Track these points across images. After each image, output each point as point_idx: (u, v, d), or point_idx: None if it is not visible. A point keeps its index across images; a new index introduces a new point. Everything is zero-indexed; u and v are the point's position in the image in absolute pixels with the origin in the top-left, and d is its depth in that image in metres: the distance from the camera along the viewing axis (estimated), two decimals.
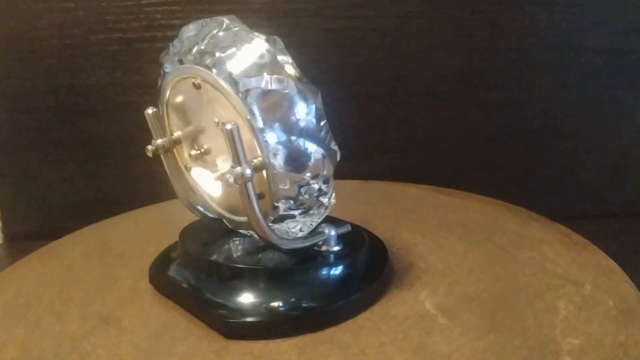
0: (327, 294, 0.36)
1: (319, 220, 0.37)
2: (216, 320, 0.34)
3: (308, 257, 0.37)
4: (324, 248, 0.37)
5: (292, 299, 0.35)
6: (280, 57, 0.33)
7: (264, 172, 0.33)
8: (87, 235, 0.52)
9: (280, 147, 0.33)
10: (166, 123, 0.39)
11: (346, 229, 0.38)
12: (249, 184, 0.32)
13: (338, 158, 0.34)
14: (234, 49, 0.33)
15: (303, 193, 0.34)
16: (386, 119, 0.75)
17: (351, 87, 0.73)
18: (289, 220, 0.36)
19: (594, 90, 0.75)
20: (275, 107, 0.32)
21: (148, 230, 0.51)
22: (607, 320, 0.34)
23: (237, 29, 0.34)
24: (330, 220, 0.38)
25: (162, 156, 0.40)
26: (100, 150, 0.74)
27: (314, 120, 0.33)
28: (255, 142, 0.32)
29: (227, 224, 0.40)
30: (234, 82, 0.32)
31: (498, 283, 0.39)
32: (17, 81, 0.72)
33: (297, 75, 0.33)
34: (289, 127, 0.33)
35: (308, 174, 0.34)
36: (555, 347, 0.32)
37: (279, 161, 0.33)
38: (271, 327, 0.34)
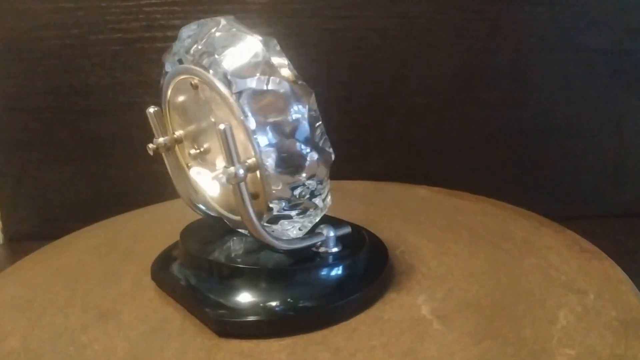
0: (322, 296, 0.36)
1: (314, 222, 0.37)
2: (209, 318, 0.34)
3: (306, 257, 0.37)
4: (322, 249, 0.37)
5: (287, 300, 0.35)
6: (274, 58, 0.33)
7: (258, 172, 0.33)
8: (98, 231, 0.53)
9: (272, 148, 0.33)
10: (168, 122, 0.40)
11: (346, 230, 0.38)
12: (242, 184, 0.33)
13: (332, 160, 0.34)
14: (229, 50, 0.33)
15: (296, 194, 0.34)
16: (386, 119, 0.75)
17: (351, 87, 0.73)
18: (284, 221, 0.36)
19: (594, 90, 0.75)
20: (268, 108, 0.32)
21: (157, 227, 0.51)
22: (607, 332, 0.33)
23: (233, 29, 0.34)
24: (332, 221, 0.38)
25: (163, 155, 0.40)
26: (100, 150, 0.74)
27: (307, 122, 0.33)
28: (249, 143, 0.33)
29: (227, 222, 0.40)
30: (228, 82, 0.32)
31: (498, 289, 0.38)
32: (17, 81, 0.72)
33: (292, 76, 0.33)
34: (282, 128, 0.33)
35: (301, 176, 0.34)
36: (549, 358, 0.31)
37: (271, 162, 0.33)
38: (263, 326, 0.34)
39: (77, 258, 0.47)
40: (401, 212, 0.53)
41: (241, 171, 0.32)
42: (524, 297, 0.37)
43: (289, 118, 0.33)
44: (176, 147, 0.40)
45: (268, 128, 0.32)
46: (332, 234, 0.37)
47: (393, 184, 0.62)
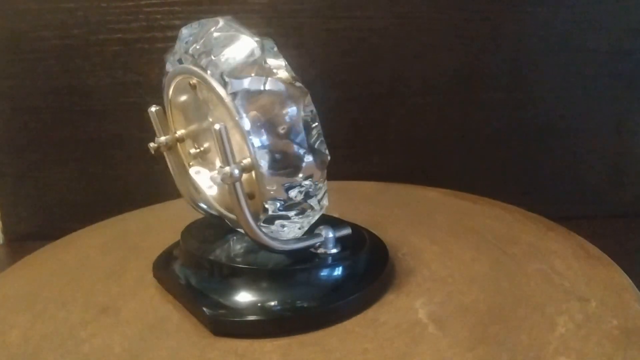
0: (319, 297, 0.36)
1: (310, 223, 0.37)
2: (205, 316, 0.34)
3: (304, 258, 0.37)
4: (321, 250, 0.37)
5: (283, 300, 0.35)
6: (270, 59, 0.33)
7: (253, 172, 0.33)
8: (107, 227, 0.54)
9: (267, 148, 0.33)
10: (170, 121, 0.40)
11: (346, 231, 0.38)
12: (238, 184, 0.33)
13: (328, 161, 0.34)
14: (225, 50, 0.34)
15: (291, 195, 0.34)
16: (386, 119, 0.75)
17: (351, 87, 0.73)
18: (281, 221, 0.36)
19: (594, 90, 0.75)
20: (262, 109, 0.32)
21: (167, 224, 0.50)
22: (606, 340, 0.32)
23: (231, 29, 0.35)
24: (333, 221, 0.38)
25: (165, 154, 0.40)
26: (100, 150, 0.74)
27: (302, 123, 0.33)
28: (244, 143, 0.33)
29: (227, 222, 0.40)
30: (224, 82, 0.33)
31: (499, 294, 0.38)
32: (17, 81, 0.72)
33: (287, 77, 0.33)
34: (277, 129, 0.33)
35: (296, 177, 0.34)
36: None
37: (266, 163, 0.33)
38: (258, 326, 0.34)
39: (85, 254, 0.47)
40: (408, 214, 0.53)
41: (236, 171, 0.32)
42: (524, 303, 0.36)
43: (284, 119, 0.33)
44: (178, 146, 0.40)
45: (263, 129, 0.32)
46: (331, 235, 0.37)
47: (402, 185, 0.62)
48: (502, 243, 0.46)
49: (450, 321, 0.35)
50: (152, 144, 0.39)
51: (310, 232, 0.37)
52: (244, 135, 0.32)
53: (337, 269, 0.37)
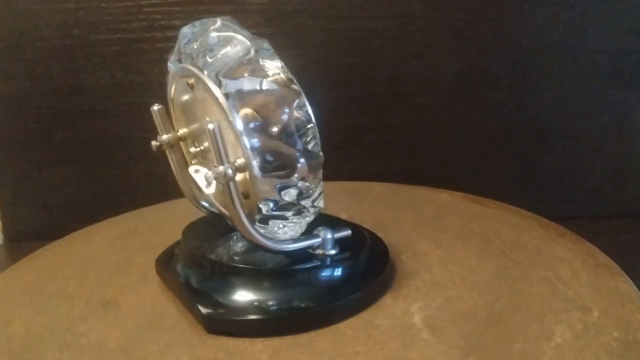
0: (314, 298, 0.36)
1: (305, 224, 0.37)
2: (200, 314, 0.35)
3: (302, 259, 0.37)
4: (319, 251, 0.37)
5: (278, 300, 0.35)
6: (265, 59, 0.33)
7: (247, 172, 0.33)
8: (120, 222, 0.55)
9: (259, 149, 0.33)
10: (173, 119, 0.40)
11: (345, 232, 0.38)
12: (231, 184, 0.33)
13: (322, 163, 0.34)
14: (221, 50, 0.34)
15: (283, 196, 0.34)
16: (386, 119, 0.75)
17: (351, 87, 0.73)
18: (275, 221, 0.36)
19: (594, 90, 0.75)
20: (256, 109, 0.33)
21: (178, 221, 0.51)
22: (604, 352, 0.31)
23: (228, 29, 0.35)
24: (334, 222, 0.38)
25: (167, 152, 0.40)
26: (100, 150, 0.74)
27: (295, 124, 0.33)
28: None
29: (228, 221, 0.40)
30: (219, 82, 0.33)
31: (498, 301, 0.37)
32: (17, 81, 0.72)
33: (281, 77, 0.33)
34: (270, 130, 0.33)
35: (289, 178, 0.34)
36: None
37: (258, 163, 0.33)
38: (251, 326, 0.34)
39: (94, 249, 0.48)
40: (416, 217, 0.52)
41: (230, 171, 0.32)
42: (523, 311, 0.36)
43: (277, 120, 0.33)
44: (181, 145, 0.40)
45: (256, 129, 0.33)
46: (329, 236, 0.37)
47: (413, 187, 0.61)
48: (509, 248, 0.45)
49: (445, 327, 0.34)
50: (154, 142, 0.40)
51: (310, 232, 0.37)
52: (236, 134, 0.32)
53: (334, 270, 0.37)
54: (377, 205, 0.56)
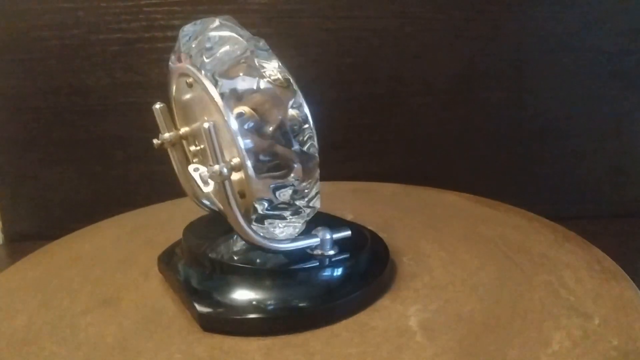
0: (310, 298, 0.35)
1: (300, 224, 0.37)
2: (196, 312, 0.35)
3: (299, 259, 0.37)
4: (318, 251, 0.37)
5: (274, 300, 0.35)
6: (261, 59, 0.33)
7: (242, 172, 0.33)
8: (127, 219, 0.55)
9: (254, 149, 0.33)
10: (175, 118, 0.40)
11: (345, 233, 0.38)
12: (227, 183, 0.33)
13: (317, 163, 0.34)
14: (218, 50, 0.34)
15: (278, 196, 0.34)
16: (386, 119, 0.75)
17: (351, 87, 0.73)
18: (271, 221, 0.36)
19: (594, 90, 0.75)
20: (252, 109, 0.33)
21: (186, 219, 0.51)
22: None
23: (227, 29, 0.35)
24: (335, 223, 0.38)
25: (169, 150, 0.40)
26: (100, 150, 0.74)
27: (290, 124, 0.33)
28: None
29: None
30: (215, 82, 0.33)
31: (498, 305, 0.36)
32: (17, 81, 0.72)
33: (278, 77, 0.33)
34: (265, 130, 0.33)
35: (284, 178, 0.34)
36: None
37: (253, 163, 0.33)
38: (245, 325, 0.34)
39: (100, 245, 0.49)
40: (422, 218, 0.52)
41: (225, 170, 0.32)
42: (522, 316, 0.35)
43: (273, 120, 0.33)
44: (183, 143, 0.41)
45: (251, 129, 0.33)
46: (328, 236, 0.37)
47: (422, 188, 0.60)
48: (513, 252, 0.44)
49: (441, 330, 0.34)
50: (155, 140, 0.40)
51: (309, 232, 0.37)
52: (231, 134, 0.32)
53: (332, 270, 0.37)
54: (384, 205, 0.55)
